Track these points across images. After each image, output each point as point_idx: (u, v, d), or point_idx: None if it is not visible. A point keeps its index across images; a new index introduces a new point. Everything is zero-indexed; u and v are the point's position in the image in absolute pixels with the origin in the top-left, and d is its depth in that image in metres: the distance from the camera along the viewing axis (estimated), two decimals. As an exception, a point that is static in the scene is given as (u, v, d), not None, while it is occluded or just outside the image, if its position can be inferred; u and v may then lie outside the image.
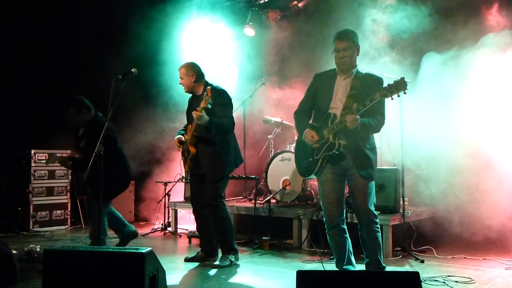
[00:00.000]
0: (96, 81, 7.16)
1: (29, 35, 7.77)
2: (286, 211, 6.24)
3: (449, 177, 5.51)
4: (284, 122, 7.42)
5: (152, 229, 7.32)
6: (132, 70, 4.73)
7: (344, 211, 4.23)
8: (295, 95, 7.85)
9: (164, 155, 8.44)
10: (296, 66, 7.96)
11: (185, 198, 7.30)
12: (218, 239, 5.17)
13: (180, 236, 6.95)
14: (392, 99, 3.73)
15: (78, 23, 8.05)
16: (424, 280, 4.30)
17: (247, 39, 8.43)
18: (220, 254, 5.15)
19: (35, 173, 7.41)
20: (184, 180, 7.29)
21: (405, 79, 3.67)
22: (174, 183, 7.41)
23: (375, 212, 4.09)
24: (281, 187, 6.53)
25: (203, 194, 5.09)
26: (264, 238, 5.95)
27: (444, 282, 4.29)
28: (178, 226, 7.28)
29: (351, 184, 4.09)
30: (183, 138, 5.16)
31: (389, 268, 4.80)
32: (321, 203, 4.27)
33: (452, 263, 5.02)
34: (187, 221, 7.89)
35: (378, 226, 4.10)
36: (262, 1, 8.47)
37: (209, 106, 4.72)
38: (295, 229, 6.06)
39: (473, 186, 5.40)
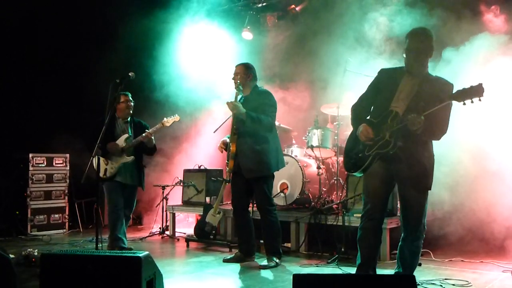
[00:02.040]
0: (94, 85, 7.17)
1: (28, 37, 7.79)
2: (283, 215, 6.23)
3: (446, 180, 5.52)
4: (281, 125, 7.43)
5: (150, 233, 7.32)
6: (130, 74, 4.77)
7: (386, 209, 4.04)
8: (293, 99, 7.88)
9: (162, 159, 8.44)
10: (294, 69, 7.98)
11: (183, 201, 7.30)
12: (266, 241, 5.28)
13: (178, 239, 6.96)
14: (464, 104, 3.44)
15: (77, 27, 8.07)
16: (422, 283, 4.32)
17: (245, 43, 8.45)
18: (259, 255, 5.40)
19: (33, 177, 7.40)
20: (182, 184, 7.29)
21: (483, 85, 3.38)
22: (172, 186, 7.41)
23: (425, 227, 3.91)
24: (278, 190, 6.53)
25: (255, 196, 5.24)
26: (261, 241, 5.94)
27: (441, 285, 4.31)
28: (176, 229, 7.28)
29: (403, 192, 3.86)
30: (228, 140, 5.28)
31: (386, 271, 4.83)
32: (363, 197, 4.07)
33: (449, 266, 5.03)
34: (185, 225, 7.90)
35: (422, 241, 3.94)
36: (260, 5, 8.50)
37: (240, 88, 5.11)
38: (293, 232, 6.07)
39: (470, 189, 5.41)
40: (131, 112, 5.84)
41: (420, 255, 4.01)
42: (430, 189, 3.85)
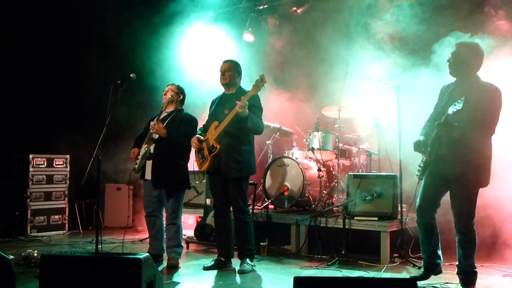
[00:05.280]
0: (95, 85, 7.19)
1: (27, 39, 7.79)
2: (284, 217, 6.24)
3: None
4: (282, 127, 7.43)
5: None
6: (131, 75, 4.75)
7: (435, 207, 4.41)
8: (294, 101, 7.87)
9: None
10: (295, 71, 7.97)
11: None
12: (240, 243, 5.14)
13: (178, 241, 6.93)
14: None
15: (77, 27, 8.07)
16: (424, 287, 4.31)
17: (246, 45, 8.44)
18: (259, 258, 5.35)
19: (33, 178, 7.38)
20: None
21: None
22: (172, 188, 7.38)
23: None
24: (279, 192, 6.53)
25: (230, 196, 5.07)
26: (262, 243, 5.94)
27: (442, 289, 4.30)
28: (176, 231, 7.25)
29: (450, 189, 4.28)
30: (202, 137, 5.15)
31: (386, 275, 4.82)
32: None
33: (449, 269, 5.00)
34: (185, 227, 7.86)
35: (470, 238, 4.20)
36: (261, 7, 8.49)
37: (260, 91, 4.88)
38: (293, 235, 6.06)
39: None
40: (170, 103, 5.39)
41: (473, 252, 4.21)
42: (472, 197, 4.13)
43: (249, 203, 5.28)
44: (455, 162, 4.06)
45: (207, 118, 5.34)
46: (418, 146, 4.32)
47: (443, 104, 4.25)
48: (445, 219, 4.79)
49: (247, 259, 5.06)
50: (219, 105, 5.21)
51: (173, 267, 5.16)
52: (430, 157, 4.18)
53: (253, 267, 5.07)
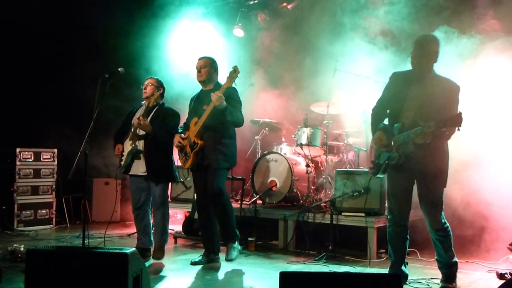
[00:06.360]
0: (83, 79, 7.12)
1: (16, 34, 7.70)
2: (272, 212, 6.26)
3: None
4: (271, 122, 7.44)
5: (138, 229, 7.27)
6: (119, 69, 4.72)
7: (410, 209, 4.26)
8: (283, 97, 7.89)
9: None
10: (284, 67, 7.98)
11: (171, 198, 7.27)
12: (223, 228, 5.10)
13: (166, 236, 6.93)
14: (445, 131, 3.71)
15: (65, 23, 7.99)
16: (408, 282, 4.36)
17: (236, 40, 8.43)
18: (246, 253, 5.39)
19: (20, 172, 7.32)
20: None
21: (462, 115, 3.59)
22: (161, 183, 7.35)
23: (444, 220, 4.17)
24: (267, 188, 6.54)
25: (207, 187, 5.04)
26: (249, 239, 5.95)
27: (428, 285, 4.35)
28: (164, 226, 7.24)
29: (420, 190, 4.15)
30: (183, 135, 5.14)
31: (372, 270, 4.87)
32: (387, 199, 4.31)
33: (435, 265, 5.01)
34: (174, 221, 7.87)
35: (448, 232, 4.19)
36: (251, 2, 8.48)
37: (234, 86, 4.90)
38: (281, 230, 6.08)
39: (457, 190, 5.43)
40: (149, 98, 5.30)
41: (451, 243, 4.21)
42: (444, 187, 4.10)
43: (237, 198, 5.28)
44: (424, 156, 3.98)
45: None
46: (380, 142, 4.14)
47: (400, 97, 4.11)
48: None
49: (233, 244, 5.00)
50: (197, 102, 5.22)
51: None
52: (399, 160, 4.02)
53: (239, 251, 5.06)
